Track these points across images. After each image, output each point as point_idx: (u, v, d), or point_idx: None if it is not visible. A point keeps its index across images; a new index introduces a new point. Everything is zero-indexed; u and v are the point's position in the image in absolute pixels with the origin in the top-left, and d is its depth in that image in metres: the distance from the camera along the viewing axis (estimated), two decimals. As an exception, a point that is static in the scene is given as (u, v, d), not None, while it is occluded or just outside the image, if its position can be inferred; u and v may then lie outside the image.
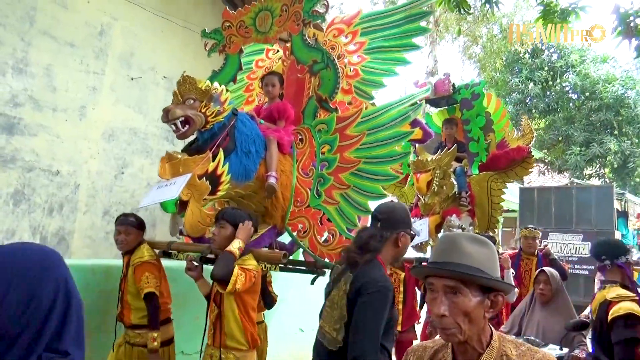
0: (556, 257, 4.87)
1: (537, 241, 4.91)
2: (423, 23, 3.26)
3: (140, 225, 3.16)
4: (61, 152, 4.35)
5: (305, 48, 2.99)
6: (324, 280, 3.91)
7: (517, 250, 5.12)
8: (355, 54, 3.22)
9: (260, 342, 3.56)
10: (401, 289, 4.54)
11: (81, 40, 4.51)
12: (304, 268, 2.89)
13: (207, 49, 3.40)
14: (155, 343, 2.94)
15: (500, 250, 5.37)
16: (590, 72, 16.42)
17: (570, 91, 17.34)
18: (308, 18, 2.94)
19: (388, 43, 3.14)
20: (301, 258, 3.41)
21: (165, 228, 4.63)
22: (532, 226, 5.10)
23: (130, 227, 3.09)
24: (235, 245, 2.52)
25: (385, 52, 3.15)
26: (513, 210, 14.31)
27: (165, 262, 3.26)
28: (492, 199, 5.31)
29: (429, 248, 5.16)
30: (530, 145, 5.24)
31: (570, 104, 17.20)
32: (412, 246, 4.51)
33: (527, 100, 16.93)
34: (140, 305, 3.03)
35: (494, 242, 4.55)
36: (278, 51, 3.76)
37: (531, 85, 16.42)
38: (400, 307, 4.48)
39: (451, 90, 4.99)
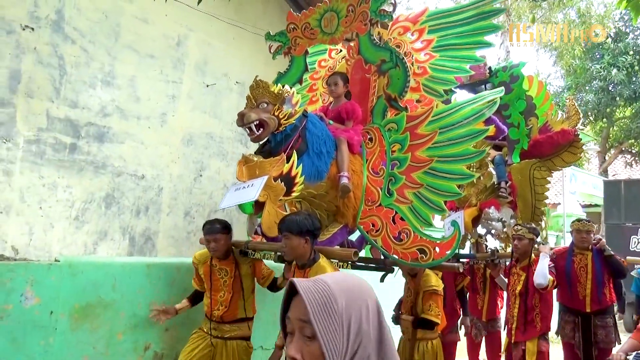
0: (612, 252, 4.44)
1: (592, 235, 4.46)
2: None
3: (225, 228, 3.38)
4: (145, 158, 4.66)
5: (373, 48, 3.02)
6: (391, 278, 3.94)
7: (567, 246, 4.71)
8: (422, 52, 3.21)
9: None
10: None
11: (160, 51, 4.80)
12: (374, 265, 2.93)
13: (272, 51, 3.50)
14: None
15: (550, 246, 5.03)
16: (681, 55, 15.08)
17: (659, 76, 15.99)
18: (375, 17, 2.97)
19: (458, 40, 3.11)
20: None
21: (241, 228, 4.84)
22: (585, 218, 4.68)
23: (217, 234, 3.32)
24: None
25: (455, 49, 3.11)
26: (596, 205, 13.48)
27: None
28: (536, 189, 4.93)
29: (467, 243, 4.95)
30: (576, 127, 4.79)
31: (660, 90, 15.84)
32: None
33: (610, 88, 15.72)
34: (248, 299, 3.45)
35: (537, 234, 4.27)
36: (341, 50, 3.81)
37: (614, 71, 15.25)
38: None
39: (487, 74, 4.64)
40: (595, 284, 4.32)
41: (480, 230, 4.94)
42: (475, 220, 4.64)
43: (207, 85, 5.22)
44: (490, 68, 4.73)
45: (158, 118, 4.79)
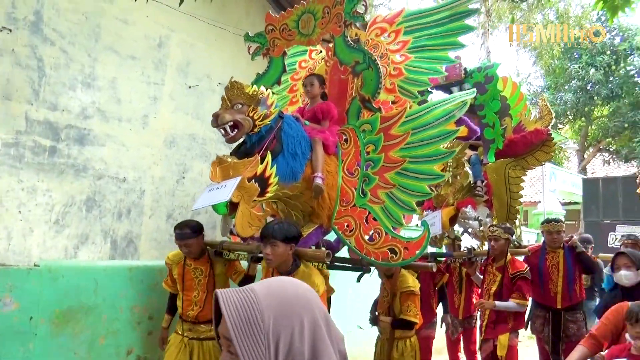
0: (583, 249, 4.56)
1: (563, 234, 4.57)
2: (473, 19, 3.24)
3: (195, 231, 3.41)
4: (127, 160, 4.63)
5: (347, 49, 3.04)
6: (376, 279, 3.97)
7: (540, 244, 4.82)
8: (398, 53, 3.24)
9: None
10: None
11: (142, 52, 4.78)
12: (350, 265, 2.96)
13: (251, 52, 3.52)
14: None
15: (523, 243, 5.10)
16: (658, 53, 15.35)
17: (635, 75, 16.27)
18: (349, 19, 2.99)
19: (432, 42, 3.14)
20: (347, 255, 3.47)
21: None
22: (555, 219, 4.73)
23: (188, 240, 3.36)
24: None
25: (429, 50, 3.15)
26: (576, 203, 13.68)
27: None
28: (511, 188, 5.05)
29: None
30: (549, 126, 4.91)
31: (637, 89, 16.13)
32: None
33: (589, 87, 16.09)
34: None
35: (512, 233, 4.35)
36: (321, 51, 3.84)
37: (592, 70, 15.58)
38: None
39: (463, 75, 4.71)
40: (566, 282, 4.42)
41: (458, 228, 5.00)
42: (453, 219, 4.74)
43: (190, 87, 5.21)
44: (465, 69, 4.81)
45: (140, 120, 4.77)
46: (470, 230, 4.79)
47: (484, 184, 4.77)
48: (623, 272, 3.53)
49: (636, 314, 2.61)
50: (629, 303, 2.85)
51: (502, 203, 5.09)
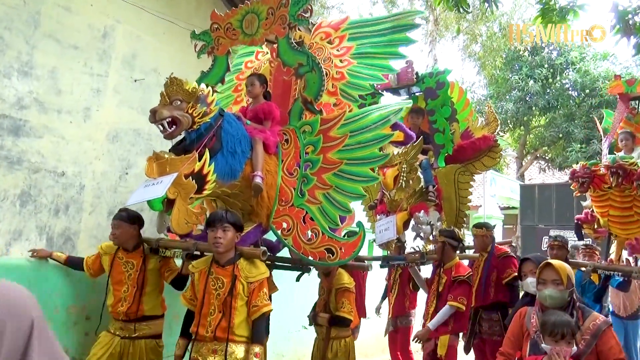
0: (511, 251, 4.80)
1: (488, 238, 4.67)
2: (422, 22, 3.35)
3: (130, 219, 3.36)
4: (66, 154, 4.48)
5: (291, 51, 3.10)
6: (314, 279, 4.01)
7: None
8: (341, 58, 3.32)
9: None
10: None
11: (85, 43, 4.63)
12: (290, 265, 3.01)
13: (197, 50, 3.52)
14: None
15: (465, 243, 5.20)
16: (590, 69, 16.41)
17: (570, 88, 17.34)
18: (294, 22, 3.05)
19: (375, 50, 3.26)
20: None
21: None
22: (481, 224, 4.82)
23: (120, 221, 3.31)
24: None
25: (371, 58, 3.26)
26: (514, 208, 14.35)
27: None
28: (460, 192, 5.18)
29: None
30: (495, 133, 5.10)
31: (571, 101, 17.20)
32: (378, 244, 4.55)
33: (527, 98, 16.97)
34: (155, 297, 3.45)
35: (452, 236, 4.45)
36: (267, 53, 3.87)
37: (531, 82, 16.46)
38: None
39: (414, 79, 4.82)
40: (480, 282, 4.59)
41: (411, 233, 5.06)
42: (406, 224, 4.78)
43: (135, 80, 5.09)
44: (417, 73, 4.90)
45: (81, 112, 4.62)
46: (422, 234, 4.83)
47: (434, 188, 4.82)
48: (530, 280, 3.39)
49: (561, 331, 2.34)
50: (528, 308, 2.76)
51: (451, 207, 5.20)
